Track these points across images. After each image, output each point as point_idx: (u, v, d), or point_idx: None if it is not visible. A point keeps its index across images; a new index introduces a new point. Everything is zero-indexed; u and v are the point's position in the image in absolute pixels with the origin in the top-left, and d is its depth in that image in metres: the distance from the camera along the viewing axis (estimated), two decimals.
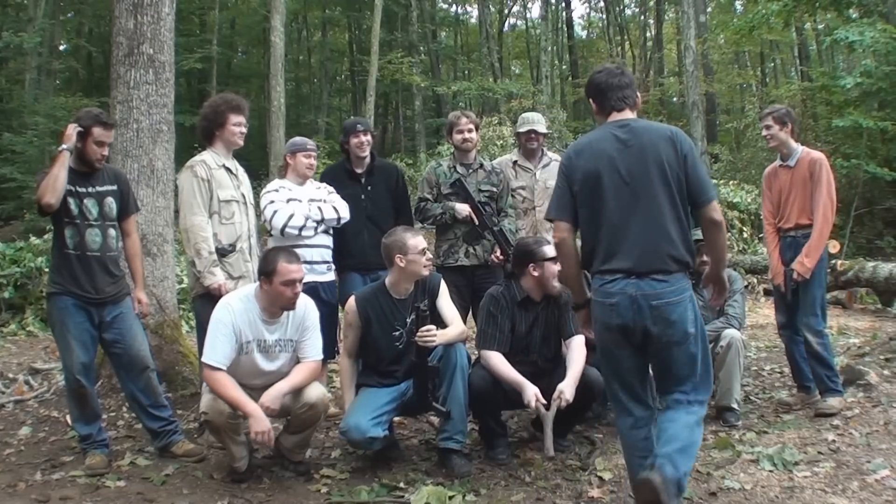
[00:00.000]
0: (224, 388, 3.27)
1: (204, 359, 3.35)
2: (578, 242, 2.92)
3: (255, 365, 3.44)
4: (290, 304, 3.39)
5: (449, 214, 4.49)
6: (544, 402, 3.36)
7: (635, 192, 2.68)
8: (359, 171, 4.57)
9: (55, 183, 3.45)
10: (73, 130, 3.53)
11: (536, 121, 4.84)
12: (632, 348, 2.71)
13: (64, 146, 3.50)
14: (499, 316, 3.62)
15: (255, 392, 3.36)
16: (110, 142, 3.74)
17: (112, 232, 3.73)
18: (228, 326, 3.33)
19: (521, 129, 4.81)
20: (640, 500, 2.54)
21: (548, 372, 3.65)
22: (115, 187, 3.76)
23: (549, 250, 3.54)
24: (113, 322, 3.68)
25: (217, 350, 3.31)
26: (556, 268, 3.45)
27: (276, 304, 3.37)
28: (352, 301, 3.68)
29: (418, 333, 3.44)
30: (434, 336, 3.45)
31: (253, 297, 3.41)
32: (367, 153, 4.55)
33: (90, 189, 3.65)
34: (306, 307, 3.50)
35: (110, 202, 3.72)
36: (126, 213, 3.83)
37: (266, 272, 3.32)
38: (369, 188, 4.53)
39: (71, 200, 3.56)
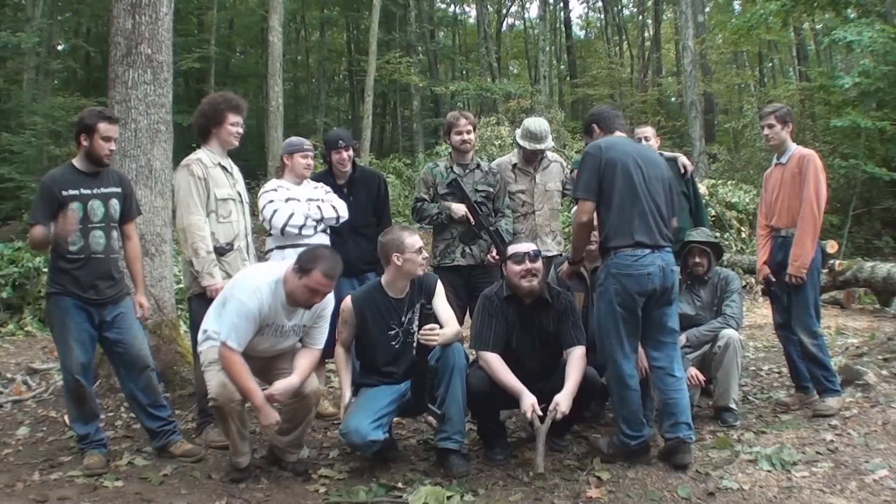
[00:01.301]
0: (238, 373, 3.26)
1: (223, 337, 3.29)
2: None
3: (266, 342, 3.45)
4: (305, 306, 3.39)
5: (445, 214, 4.49)
6: (540, 413, 3.34)
7: (649, 189, 3.43)
8: (340, 182, 4.59)
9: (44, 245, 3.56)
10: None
11: (543, 137, 4.66)
12: (645, 304, 3.40)
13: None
14: (494, 317, 3.62)
15: (253, 360, 3.38)
16: (116, 136, 3.72)
17: (115, 234, 3.73)
18: (255, 313, 3.29)
19: (528, 147, 4.68)
20: (668, 457, 3.38)
21: (544, 376, 3.64)
22: (119, 189, 3.75)
23: (508, 249, 3.71)
24: (114, 322, 3.67)
25: (241, 333, 3.28)
26: (518, 268, 3.57)
27: (293, 297, 3.34)
28: (348, 300, 3.68)
29: (421, 331, 3.44)
30: (437, 335, 3.45)
31: (281, 283, 3.36)
32: (348, 168, 4.57)
33: (95, 190, 3.64)
34: (326, 296, 3.48)
35: (115, 204, 3.71)
36: (128, 217, 3.82)
37: (303, 268, 3.27)
38: (351, 198, 4.53)
39: (76, 204, 3.55)
